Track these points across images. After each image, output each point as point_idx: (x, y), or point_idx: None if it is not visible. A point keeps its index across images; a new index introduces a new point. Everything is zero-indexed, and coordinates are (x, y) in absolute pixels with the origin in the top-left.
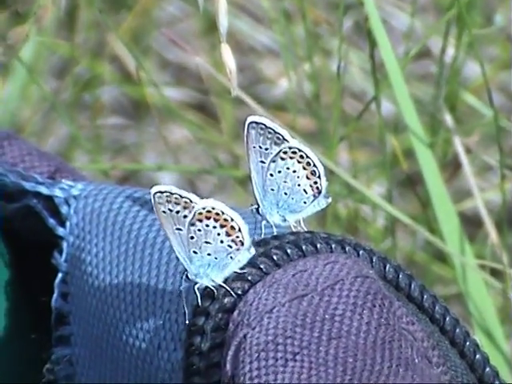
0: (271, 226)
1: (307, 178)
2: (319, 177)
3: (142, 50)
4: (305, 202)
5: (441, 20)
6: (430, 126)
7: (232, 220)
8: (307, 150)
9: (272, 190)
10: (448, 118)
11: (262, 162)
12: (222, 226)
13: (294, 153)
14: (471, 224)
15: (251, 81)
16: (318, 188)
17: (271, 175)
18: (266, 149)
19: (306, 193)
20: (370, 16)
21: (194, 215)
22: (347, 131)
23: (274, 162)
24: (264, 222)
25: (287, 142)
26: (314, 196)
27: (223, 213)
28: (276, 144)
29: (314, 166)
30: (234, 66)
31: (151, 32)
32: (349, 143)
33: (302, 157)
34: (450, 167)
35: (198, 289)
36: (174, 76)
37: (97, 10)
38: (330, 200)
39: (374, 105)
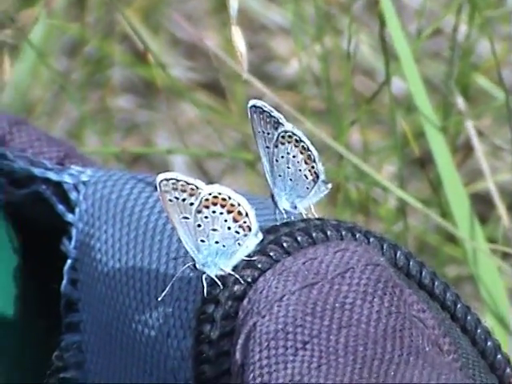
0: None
1: (305, 162)
2: (315, 161)
3: (152, 28)
4: (307, 188)
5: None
6: (442, 106)
7: (239, 205)
8: (300, 134)
9: (280, 176)
10: (460, 101)
11: (267, 147)
12: (228, 212)
13: (290, 137)
14: (485, 204)
15: (262, 59)
16: (315, 173)
17: (276, 161)
18: (268, 133)
19: (307, 178)
20: None
21: (201, 202)
22: (358, 113)
23: (276, 147)
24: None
25: (283, 125)
26: (314, 181)
27: (230, 198)
28: (275, 128)
29: (309, 150)
30: (245, 49)
31: (162, 10)
32: (360, 123)
33: (297, 141)
34: (463, 149)
35: (205, 279)
36: (185, 54)
37: None
38: (329, 186)
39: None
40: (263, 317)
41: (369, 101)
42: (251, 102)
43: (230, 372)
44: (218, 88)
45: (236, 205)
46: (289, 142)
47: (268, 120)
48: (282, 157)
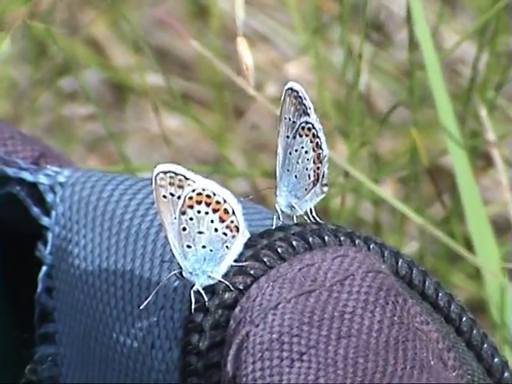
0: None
1: (313, 162)
2: (321, 162)
3: (120, 33)
4: (306, 189)
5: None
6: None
7: (225, 202)
8: (319, 129)
9: (288, 170)
10: (483, 113)
11: (288, 136)
12: (214, 211)
13: (309, 130)
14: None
15: (238, 70)
16: (318, 174)
17: (290, 153)
18: (293, 122)
19: (309, 178)
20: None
21: (185, 201)
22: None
23: (294, 138)
24: (279, 209)
25: (308, 116)
26: (314, 183)
27: (215, 194)
28: (300, 117)
29: (321, 148)
30: (251, 62)
31: (130, 15)
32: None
33: (314, 136)
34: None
35: (194, 292)
36: (155, 61)
37: None
38: (326, 189)
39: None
40: (257, 326)
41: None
42: (289, 84)
43: None
44: (193, 96)
45: (222, 202)
46: (306, 135)
47: (298, 107)
48: (296, 150)
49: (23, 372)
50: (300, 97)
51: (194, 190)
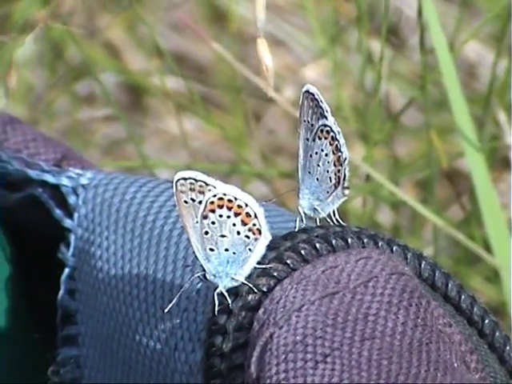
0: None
1: (334, 164)
2: (342, 164)
3: (137, 38)
4: (327, 192)
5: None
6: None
7: (246, 205)
8: (337, 131)
9: (309, 172)
10: (501, 116)
11: (307, 139)
12: (236, 215)
13: (328, 133)
14: None
15: (253, 73)
16: (339, 177)
17: (310, 156)
18: (312, 124)
19: (330, 181)
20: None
21: (206, 205)
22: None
23: (314, 140)
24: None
25: (326, 118)
26: (335, 186)
27: (236, 198)
28: (317, 120)
29: (340, 151)
30: (271, 63)
31: (147, 20)
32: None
33: (333, 138)
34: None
35: (217, 294)
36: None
37: None
38: (347, 192)
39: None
40: (281, 328)
41: (398, 115)
42: (305, 87)
43: None
44: (209, 100)
45: (243, 206)
46: (325, 138)
47: (315, 110)
48: (316, 153)
49: (46, 374)
50: (316, 99)
51: (215, 195)
